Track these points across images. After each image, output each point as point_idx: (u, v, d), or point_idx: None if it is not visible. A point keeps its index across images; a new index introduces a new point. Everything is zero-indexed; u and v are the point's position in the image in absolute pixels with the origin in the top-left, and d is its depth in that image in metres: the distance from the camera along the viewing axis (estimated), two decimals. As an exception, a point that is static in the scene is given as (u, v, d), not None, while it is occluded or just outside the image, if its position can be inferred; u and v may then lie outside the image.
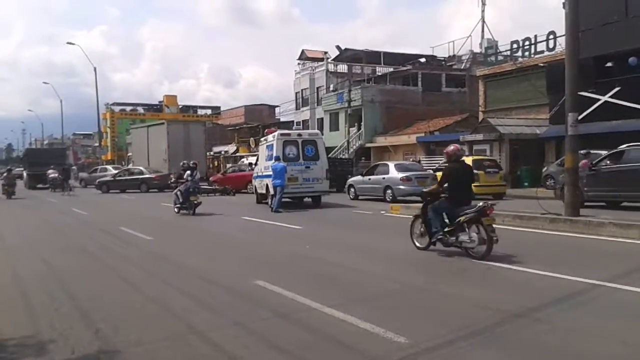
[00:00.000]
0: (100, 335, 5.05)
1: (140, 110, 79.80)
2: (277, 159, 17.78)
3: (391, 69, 46.57)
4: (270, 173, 18.03)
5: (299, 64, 53.53)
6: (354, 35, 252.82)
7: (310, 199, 19.69)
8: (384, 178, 20.87)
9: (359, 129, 41.06)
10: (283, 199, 17.60)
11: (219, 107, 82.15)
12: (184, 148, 33.68)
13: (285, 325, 5.24)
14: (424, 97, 42.06)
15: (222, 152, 57.61)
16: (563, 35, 14.04)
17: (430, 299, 6.20)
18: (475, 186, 17.40)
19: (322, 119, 46.24)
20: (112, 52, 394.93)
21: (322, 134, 26.30)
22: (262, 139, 22.58)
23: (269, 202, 18.24)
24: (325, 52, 51.06)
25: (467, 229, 8.19)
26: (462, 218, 8.21)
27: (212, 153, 54.52)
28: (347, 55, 50.73)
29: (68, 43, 48.74)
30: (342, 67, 49.42)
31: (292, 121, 50.70)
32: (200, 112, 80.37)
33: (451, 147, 9.01)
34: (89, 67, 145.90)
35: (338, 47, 51.47)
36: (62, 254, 10.11)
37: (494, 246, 7.95)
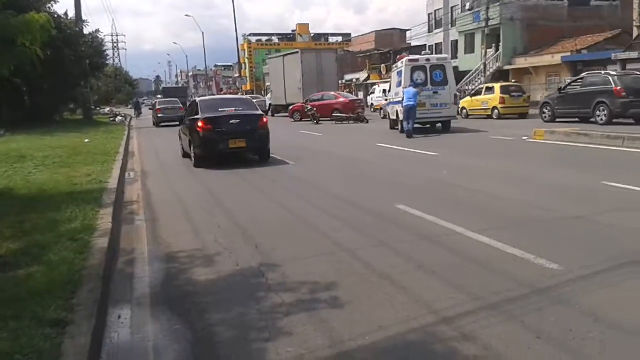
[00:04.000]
0: (260, 250, 5.50)
1: (275, 40, 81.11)
2: (412, 86, 17.89)
3: (534, -18, 42.67)
4: (400, 99, 18.10)
5: (433, -18, 50.87)
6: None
7: (440, 125, 19.51)
8: None
9: (497, 50, 38.63)
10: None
11: (349, 34, 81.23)
12: (317, 77, 34.06)
13: (430, 247, 5.33)
14: (570, 13, 38.41)
15: (354, 80, 57.51)
16: None
17: (585, 228, 5.86)
18: (501, 107, 24.97)
19: (456, 41, 43.98)
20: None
21: (457, 57, 25.37)
22: (394, 66, 22.35)
23: (399, 129, 18.40)
24: (462, -32, 47.89)
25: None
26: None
27: (344, 81, 54.65)
28: (485, -30, 47.20)
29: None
30: (480, -17, 46.19)
31: (425, 45, 48.81)
32: (331, 39, 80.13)
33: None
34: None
35: (475, -38, 47.91)
36: (215, 177, 10.97)
37: None
